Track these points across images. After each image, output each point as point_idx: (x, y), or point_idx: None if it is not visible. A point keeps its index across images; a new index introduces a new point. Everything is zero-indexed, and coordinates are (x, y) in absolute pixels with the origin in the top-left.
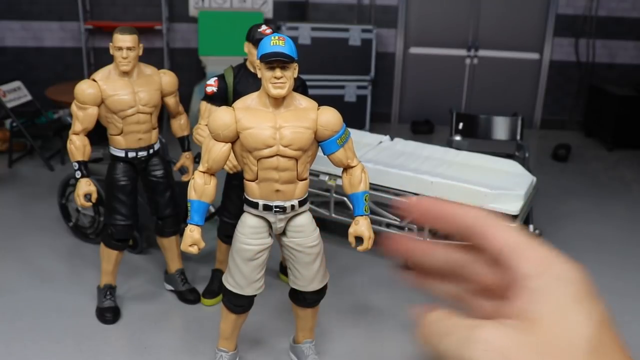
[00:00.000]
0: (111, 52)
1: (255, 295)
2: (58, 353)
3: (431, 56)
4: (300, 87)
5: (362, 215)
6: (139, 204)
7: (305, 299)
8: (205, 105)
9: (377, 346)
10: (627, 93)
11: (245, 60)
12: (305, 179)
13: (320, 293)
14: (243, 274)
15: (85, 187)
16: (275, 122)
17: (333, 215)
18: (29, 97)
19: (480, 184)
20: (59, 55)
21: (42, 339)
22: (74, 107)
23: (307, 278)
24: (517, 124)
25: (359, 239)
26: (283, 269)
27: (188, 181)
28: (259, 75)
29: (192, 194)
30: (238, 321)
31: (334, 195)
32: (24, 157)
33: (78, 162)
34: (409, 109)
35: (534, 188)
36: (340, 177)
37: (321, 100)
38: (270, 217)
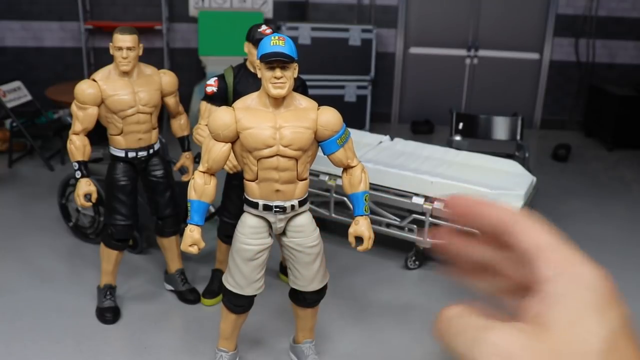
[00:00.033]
0: (111, 52)
1: (255, 295)
2: (58, 353)
3: (431, 56)
4: (300, 87)
5: (362, 215)
6: (139, 204)
7: (305, 299)
8: (205, 105)
9: (377, 346)
10: (627, 93)
11: (245, 60)
12: (305, 179)
13: (320, 293)
14: (243, 274)
15: (85, 187)
16: (275, 122)
17: (333, 215)
18: (29, 97)
19: (480, 184)
20: (59, 55)
21: (42, 339)
22: (74, 107)
23: (307, 278)
24: (517, 124)
25: (359, 239)
26: (283, 269)
27: (188, 181)
28: (259, 75)
29: (192, 194)
30: (238, 321)
31: (334, 195)
32: (24, 157)
33: (78, 162)
34: (409, 109)
35: (534, 188)
36: (340, 177)
37: (321, 100)
38: (270, 217)
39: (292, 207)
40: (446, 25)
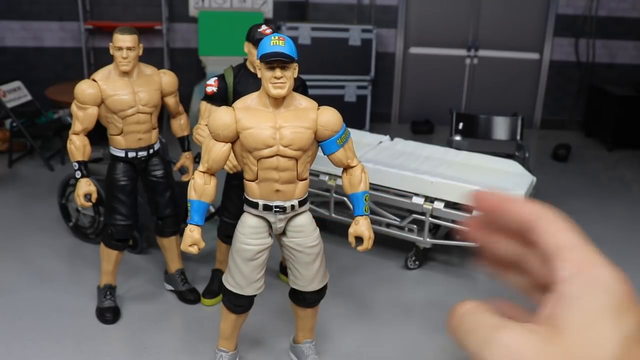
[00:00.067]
0: (111, 52)
1: (255, 295)
2: (58, 353)
3: (431, 56)
4: (300, 87)
5: (362, 215)
6: (139, 204)
7: (305, 299)
8: (205, 105)
9: (377, 346)
10: (627, 93)
11: (245, 60)
12: (305, 179)
13: (320, 293)
14: (243, 274)
15: (85, 187)
16: (275, 122)
17: (333, 215)
18: (29, 97)
19: (480, 184)
20: (59, 55)
21: (42, 339)
22: (74, 107)
23: (307, 278)
24: (517, 124)
25: (359, 239)
26: (283, 269)
27: (188, 181)
28: (259, 75)
29: (192, 194)
30: (238, 321)
31: (334, 195)
32: (24, 157)
33: (78, 162)
34: (409, 109)
35: (534, 188)
36: (340, 177)
37: (321, 100)
38: (270, 217)
39: (292, 207)
40: (446, 25)
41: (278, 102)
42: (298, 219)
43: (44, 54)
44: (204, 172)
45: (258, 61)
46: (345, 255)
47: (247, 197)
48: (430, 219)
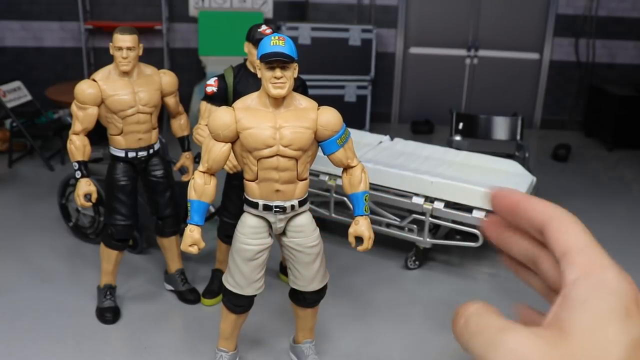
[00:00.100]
0: (111, 52)
1: (255, 295)
2: (58, 353)
3: (431, 56)
4: (300, 87)
5: (362, 215)
6: (139, 204)
7: (305, 299)
8: (205, 105)
9: (377, 346)
10: (627, 93)
11: (245, 60)
12: (305, 179)
13: (320, 293)
14: (243, 274)
15: (85, 187)
16: (275, 122)
17: (333, 215)
18: (29, 97)
19: (480, 184)
20: (59, 55)
21: (42, 339)
22: (74, 107)
23: (307, 278)
24: (517, 124)
25: (359, 239)
26: (283, 269)
27: (188, 181)
28: (259, 75)
29: (192, 194)
30: (238, 321)
31: (334, 195)
32: (24, 157)
33: (78, 162)
34: (409, 109)
35: (534, 188)
36: (340, 177)
37: (321, 100)
38: (270, 217)
39: (292, 207)
40: (446, 25)
41: (278, 102)
42: (298, 219)
43: (44, 54)
44: (204, 172)
45: (258, 61)
46: (345, 255)
47: (247, 197)
48: (430, 219)
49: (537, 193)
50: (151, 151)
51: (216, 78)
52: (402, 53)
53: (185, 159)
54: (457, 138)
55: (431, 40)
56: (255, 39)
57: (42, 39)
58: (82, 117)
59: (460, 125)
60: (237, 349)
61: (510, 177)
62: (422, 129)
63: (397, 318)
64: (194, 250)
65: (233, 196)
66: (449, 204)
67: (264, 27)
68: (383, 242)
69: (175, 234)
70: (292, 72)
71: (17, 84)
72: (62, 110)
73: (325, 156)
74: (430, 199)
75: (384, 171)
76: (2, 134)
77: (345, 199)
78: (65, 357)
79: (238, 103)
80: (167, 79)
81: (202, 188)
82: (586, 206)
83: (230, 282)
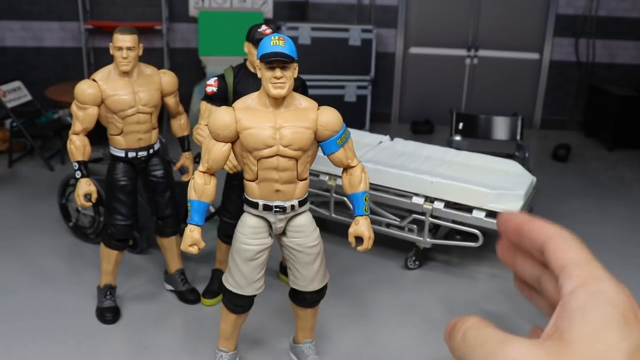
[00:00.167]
0: (111, 52)
1: (255, 295)
2: (58, 353)
3: (431, 56)
4: (300, 87)
5: (362, 215)
6: (139, 204)
7: (305, 299)
8: (205, 105)
9: (377, 346)
10: (627, 93)
11: (245, 60)
12: (305, 179)
13: (320, 293)
14: (243, 274)
15: (85, 187)
16: (275, 122)
17: (333, 215)
18: (29, 97)
19: (480, 184)
20: (59, 55)
21: (42, 339)
22: (74, 107)
23: (307, 278)
24: (517, 124)
25: (359, 239)
26: (283, 269)
27: (188, 181)
28: (259, 75)
29: (192, 194)
30: (238, 321)
31: (334, 195)
32: (24, 157)
33: (78, 162)
34: (409, 109)
35: (534, 188)
36: (340, 177)
37: (321, 100)
38: (270, 217)
39: (292, 207)
40: (446, 25)
41: (278, 102)
42: (298, 219)
43: (44, 54)
44: (204, 172)
45: (258, 61)
46: (345, 255)
47: (247, 197)
48: (430, 219)
49: (537, 193)
50: (151, 151)
51: (216, 78)
52: (402, 53)
53: (185, 159)
54: (457, 138)
55: (431, 40)
56: (255, 39)
57: (42, 39)
58: (82, 117)
59: (460, 125)
60: (237, 349)
61: (510, 177)
62: (422, 129)
63: (397, 318)
64: (194, 250)
65: (233, 196)
66: (449, 204)
67: (264, 27)
68: (383, 242)
69: (175, 234)
70: (292, 72)
71: (17, 84)
72: (62, 110)
73: (325, 156)
74: (430, 199)
75: (384, 171)
76: (2, 134)
77: (345, 199)
78: (65, 357)
79: (238, 103)
80: (167, 79)
81: (202, 188)
82: (586, 206)
83: (230, 282)
